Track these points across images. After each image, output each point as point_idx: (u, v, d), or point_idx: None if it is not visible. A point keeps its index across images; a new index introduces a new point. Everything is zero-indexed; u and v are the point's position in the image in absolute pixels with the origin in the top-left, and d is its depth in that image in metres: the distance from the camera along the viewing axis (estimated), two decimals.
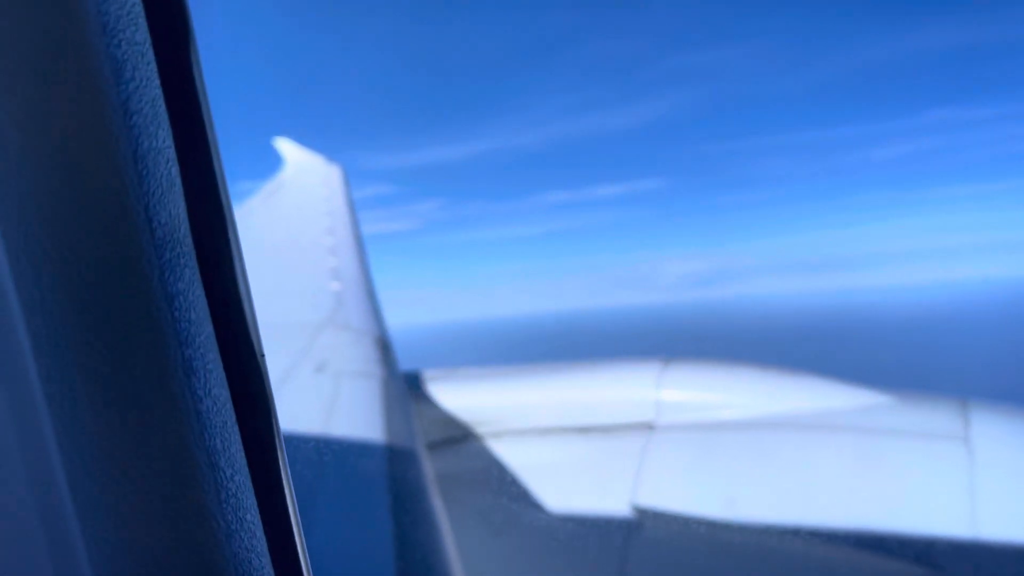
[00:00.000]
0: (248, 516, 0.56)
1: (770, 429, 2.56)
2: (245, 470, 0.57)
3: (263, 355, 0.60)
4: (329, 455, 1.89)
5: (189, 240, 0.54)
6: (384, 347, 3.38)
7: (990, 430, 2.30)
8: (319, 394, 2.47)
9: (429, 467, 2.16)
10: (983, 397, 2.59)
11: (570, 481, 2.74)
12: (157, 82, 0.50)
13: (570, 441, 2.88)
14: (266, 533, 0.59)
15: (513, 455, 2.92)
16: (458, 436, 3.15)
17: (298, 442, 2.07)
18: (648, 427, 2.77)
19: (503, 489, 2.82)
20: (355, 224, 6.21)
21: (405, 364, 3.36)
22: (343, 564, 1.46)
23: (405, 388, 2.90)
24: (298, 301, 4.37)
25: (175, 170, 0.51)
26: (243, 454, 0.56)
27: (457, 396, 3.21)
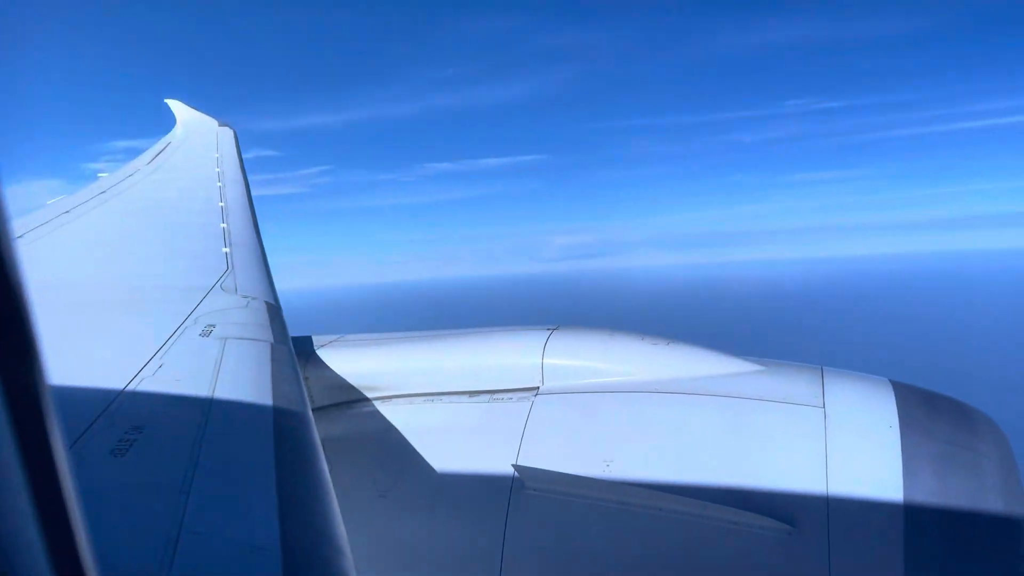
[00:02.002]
0: (17, 498, 0.53)
1: (648, 394, 2.71)
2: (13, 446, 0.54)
3: (31, 312, 0.58)
4: (215, 419, 1.91)
5: None
6: (273, 311, 3.33)
7: (842, 395, 2.53)
8: (206, 358, 2.43)
9: (316, 431, 2.17)
10: (839, 365, 2.82)
11: (457, 443, 2.81)
12: None
13: (458, 405, 2.95)
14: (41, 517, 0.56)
15: (402, 419, 2.96)
16: (347, 401, 3.16)
17: (184, 405, 2.04)
18: (534, 392, 2.87)
19: (391, 451, 2.86)
20: (247, 187, 6.01)
21: (295, 329, 3.32)
22: (227, 526, 1.47)
23: (293, 353, 2.88)
24: (187, 263, 4.21)
25: None
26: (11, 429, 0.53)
27: (347, 361, 3.21)
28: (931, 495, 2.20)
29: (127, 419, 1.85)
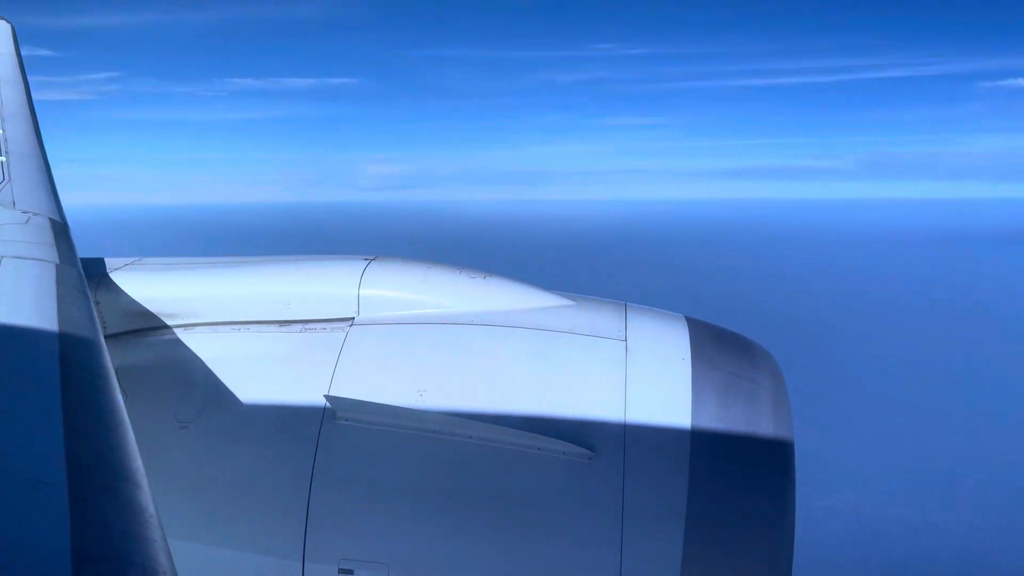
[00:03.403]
0: None
1: (462, 326, 2.74)
2: None
3: None
4: None
5: None
6: (59, 229, 3.03)
7: (642, 330, 2.70)
8: None
9: (109, 359, 2.02)
10: (640, 301, 3.00)
11: (265, 373, 2.71)
12: None
13: (268, 335, 2.84)
14: None
15: (205, 348, 2.81)
16: (144, 328, 2.95)
17: None
18: (349, 322, 2.82)
19: (192, 381, 2.72)
20: (27, 90, 5.33)
21: (84, 251, 3.04)
22: (6, 462, 1.39)
23: (83, 275, 2.64)
24: None
25: None
26: None
27: (144, 286, 2.99)
28: (715, 421, 2.42)
29: None
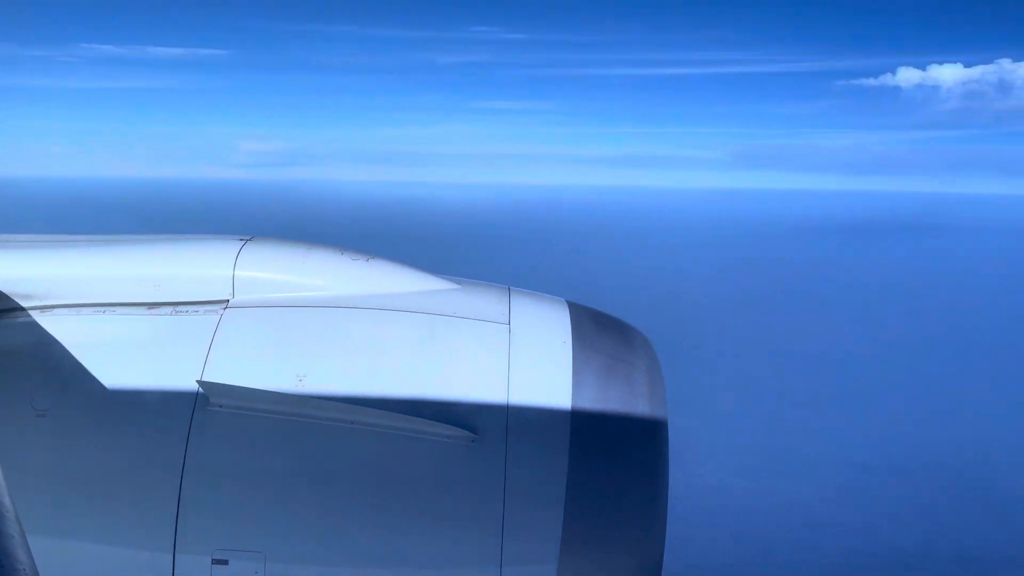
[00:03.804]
0: None
1: (344, 308, 2.69)
2: None
3: None
4: None
5: None
6: None
7: (526, 313, 2.73)
8: None
9: None
10: (523, 285, 3.04)
11: (132, 358, 2.57)
12: None
13: (134, 318, 2.69)
14: None
15: (66, 331, 2.63)
16: None
17: None
18: (223, 305, 2.71)
19: (51, 366, 2.54)
20: None
21: None
22: None
23: None
24: None
25: None
26: None
27: None
28: (594, 402, 2.49)
29: None
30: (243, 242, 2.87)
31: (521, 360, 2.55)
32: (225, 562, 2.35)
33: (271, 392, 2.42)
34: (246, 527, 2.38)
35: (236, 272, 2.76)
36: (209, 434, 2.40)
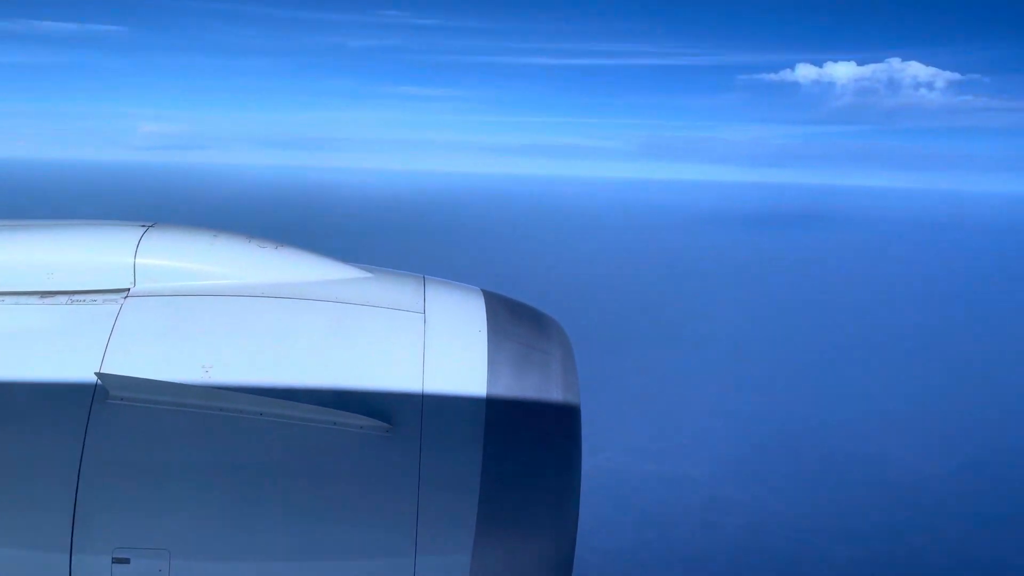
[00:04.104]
0: None
1: (253, 298, 2.62)
2: None
3: None
4: None
5: None
6: None
7: (440, 302, 2.72)
8: None
9: None
10: (436, 273, 3.02)
11: (24, 350, 2.43)
12: None
13: (27, 307, 2.54)
14: None
15: None
16: None
17: None
18: (123, 294, 2.60)
19: None
20: None
21: None
22: None
23: None
24: None
25: None
26: None
27: None
28: (509, 390, 2.50)
29: None
30: (144, 228, 2.75)
31: (436, 349, 2.53)
32: (126, 561, 2.26)
33: (175, 384, 2.33)
34: (148, 524, 2.29)
35: (137, 260, 2.64)
36: (109, 428, 2.30)
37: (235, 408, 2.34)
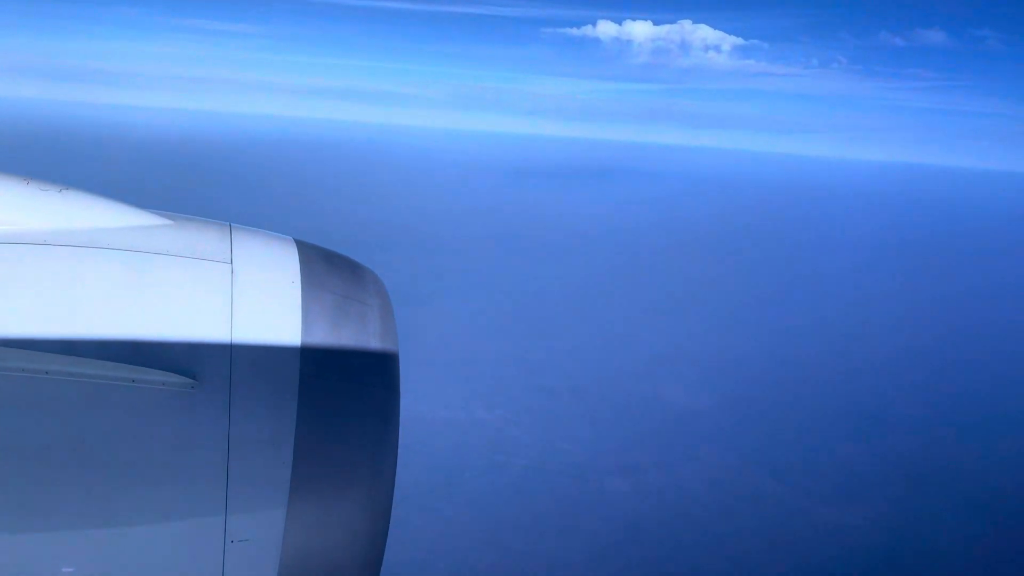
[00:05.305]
0: None
1: (35, 245, 2.36)
2: None
3: None
4: None
5: None
6: None
7: (249, 252, 2.59)
8: None
9: None
10: (243, 221, 2.88)
11: None
12: None
13: None
14: None
15: None
16: None
17: None
18: None
19: None
20: None
21: None
22: None
23: None
24: None
25: None
26: None
27: None
28: (325, 341, 2.45)
29: None
30: None
31: (245, 301, 2.42)
32: None
33: None
34: None
35: None
36: None
37: (15, 367, 2.12)
